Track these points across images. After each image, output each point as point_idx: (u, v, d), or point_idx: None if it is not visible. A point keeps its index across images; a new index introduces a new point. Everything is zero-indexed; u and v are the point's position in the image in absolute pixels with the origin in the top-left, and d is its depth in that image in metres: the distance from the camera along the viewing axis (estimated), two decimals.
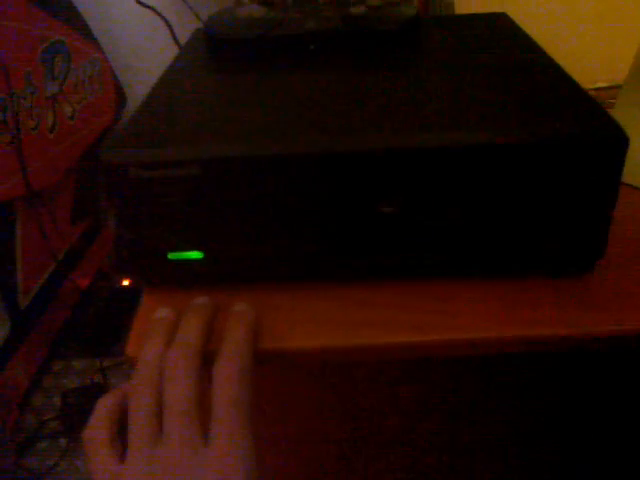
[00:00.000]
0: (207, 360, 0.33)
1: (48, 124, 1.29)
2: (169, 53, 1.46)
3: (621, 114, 0.56)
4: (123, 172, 0.35)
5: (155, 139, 0.37)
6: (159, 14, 0.98)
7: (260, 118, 0.39)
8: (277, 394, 0.50)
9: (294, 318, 0.38)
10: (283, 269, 0.39)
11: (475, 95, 0.39)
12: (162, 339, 0.34)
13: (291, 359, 0.38)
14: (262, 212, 0.37)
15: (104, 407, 0.33)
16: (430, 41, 0.50)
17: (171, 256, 0.39)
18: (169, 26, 0.98)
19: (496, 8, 0.59)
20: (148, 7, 1.01)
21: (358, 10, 0.48)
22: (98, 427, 0.32)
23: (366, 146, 0.35)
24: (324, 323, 0.38)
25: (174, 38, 0.97)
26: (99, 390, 1.31)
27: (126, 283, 1.58)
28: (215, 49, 0.51)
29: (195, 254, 0.38)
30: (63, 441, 1.24)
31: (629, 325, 0.37)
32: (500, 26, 0.52)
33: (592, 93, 0.82)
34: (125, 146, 0.36)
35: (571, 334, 0.37)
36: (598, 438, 0.55)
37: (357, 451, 0.55)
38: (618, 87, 0.82)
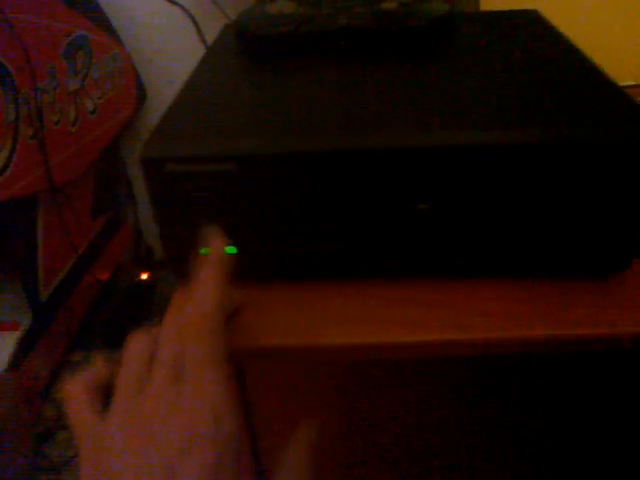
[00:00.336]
0: None
1: (70, 119, 1.30)
2: (191, 49, 1.47)
3: None
4: (160, 166, 0.36)
5: (191, 135, 0.37)
6: (186, 10, 0.99)
7: (293, 115, 0.39)
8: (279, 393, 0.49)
9: (327, 315, 0.38)
10: (317, 266, 0.39)
11: (510, 94, 0.39)
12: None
13: (323, 356, 0.38)
14: (297, 209, 0.37)
15: (86, 371, 0.33)
16: (462, 38, 0.49)
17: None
18: (195, 22, 0.98)
19: (522, 4, 0.59)
20: (175, 3, 1.01)
21: (390, 6, 0.48)
22: (77, 384, 0.32)
23: (402, 144, 0.35)
24: (357, 320, 0.38)
25: (200, 34, 0.98)
26: None
27: (144, 277, 1.59)
28: (246, 45, 0.51)
29: (229, 249, 0.39)
30: None
31: None
32: (532, 23, 0.52)
33: None
34: (162, 141, 0.37)
35: (601, 334, 0.37)
36: (607, 439, 0.54)
37: (361, 451, 0.55)
38: None
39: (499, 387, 0.50)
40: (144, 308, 1.50)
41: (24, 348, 1.20)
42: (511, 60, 0.44)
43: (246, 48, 0.51)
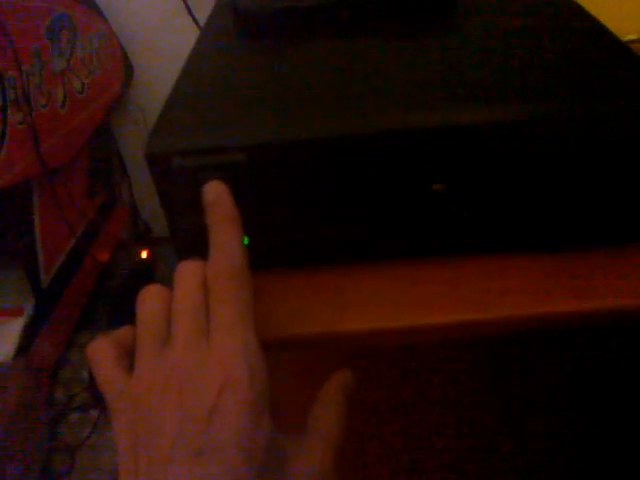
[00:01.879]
0: None
1: (58, 100, 1.27)
2: (177, 21, 1.43)
3: None
4: (165, 161, 0.35)
5: (195, 126, 0.36)
6: None
7: (299, 97, 0.38)
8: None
9: (345, 300, 0.38)
10: (332, 251, 0.39)
11: (522, 66, 0.38)
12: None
13: (343, 342, 0.38)
14: (309, 195, 0.36)
15: (110, 334, 0.33)
16: (467, 6, 0.48)
17: None
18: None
19: None
20: None
21: None
22: (102, 343, 0.32)
23: (413, 124, 0.34)
24: (376, 304, 0.38)
25: (186, 5, 0.95)
26: None
27: (144, 255, 1.58)
28: (243, 23, 0.49)
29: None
30: (94, 413, 1.27)
31: None
32: None
33: None
34: (165, 135, 0.36)
35: (626, 306, 0.36)
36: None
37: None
38: None
39: (521, 367, 0.51)
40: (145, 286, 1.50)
41: (30, 333, 1.20)
42: (522, 28, 0.43)
43: (243, 26, 0.49)
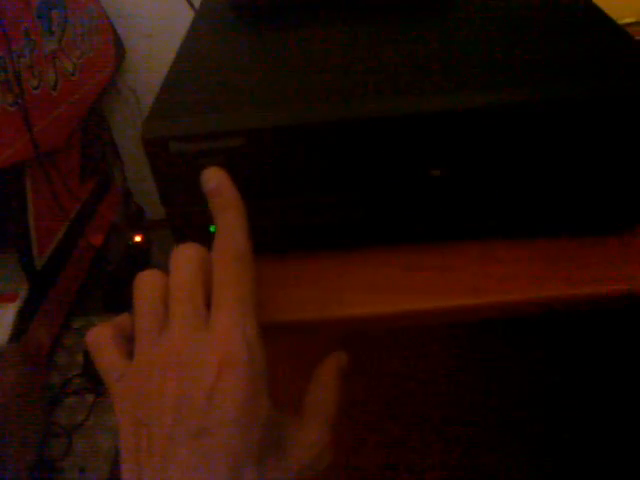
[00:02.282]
0: None
1: (50, 82, 1.26)
2: (169, 1, 1.41)
3: None
4: (163, 146, 0.34)
5: (192, 110, 0.36)
6: None
7: (296, 82, 0.37)
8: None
9: (342, 285, 0.38)
10: (330, 237, 0.39)
11: (519, 50, 0.38)
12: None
13: (342, 327, 0.38)
14: (307, 180, 0.36)
15: (110, 321, 0.33)
16: None
17: (213, 229, 0.38)
18: None
19: None
20: None
21: None
22: (102, 329, 0.32)
23: (412, 109, 0.34)
24: (375, 289, 0.38)
25: None
26: None
27: (138, 239, 1.58)
28: (238, 5, 0.48)
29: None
30: (90, 397, 1.27)
31: None
32: None
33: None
34: (162, 119, 0.35)
35: (617, 291, 0.37)
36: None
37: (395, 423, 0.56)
38: None
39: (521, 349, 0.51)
40: (140, 270, 1.49)
41: (24, 318, 1.20)
42: (519, 13, 0.43)
43: (238, 9, 0.48)
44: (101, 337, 0.32)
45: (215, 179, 0.33)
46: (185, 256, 0.32)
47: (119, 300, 1.43)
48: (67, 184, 1.35)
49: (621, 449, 0.58)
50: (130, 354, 0.31)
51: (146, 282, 0.32)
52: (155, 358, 0.29)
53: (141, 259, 1.52)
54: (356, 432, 0.58)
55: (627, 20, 0.76)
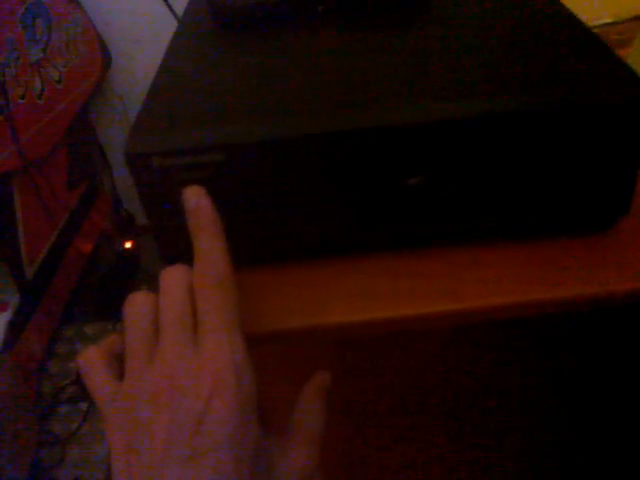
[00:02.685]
0: None
1: (36, 91, 1.26)
2: (155, 8, 1.41)
3: None
4: (146, 161, 0.35)
5: (175, 124, 0.36)
6: None
7: (277, 94, 0.38)
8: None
9: (327, 294, 0.39)
10: (313, 246, 0.39)
11: (494, 58, 0.39)
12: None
13: (326, 336, 0.38)
14: (288, 192, 0.37)
15: (101, 342, 0.34)
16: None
17: None
18: None
19: None
20: None
21: None
22: (93, 351, 0.33)
23: (388, 120, 0.34)
24: (357, 297, 0.38)
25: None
26: None
27: (129, 245, 1.58)
28: (219, 17, 0.49)
29: None
30: (83, 405, 1.27)
31: None
32: None
33: (598, 30, 0.80)
34: (145, 134, 0.36)
35: (595, 293, 0.38)
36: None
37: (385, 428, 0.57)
38: (623, 22, 0.81)
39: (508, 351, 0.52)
40: (131, 276, 1.50)
41: (16, 327, 1.20)
42: (492, 18, 0.44)
43: (220, 20, 0.49)
44: (91, 359, 0.32)
45: (195, 198, 0.33)
46: (174, 278, 0.32)
47: (110, 307, 1.43)
48: (55, 192, 1.35)
49: (619, 450, 0.58)
50: (121, 375, 0.32)
51: (137, 303, 0.32)
52: (146, 383, 0.29)
53: (131, 265, 1.52)
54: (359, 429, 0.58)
55: (604, 21, 0.77)
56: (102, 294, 1.46)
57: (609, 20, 0.79)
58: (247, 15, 0.47)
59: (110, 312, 1.41)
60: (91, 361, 0.32)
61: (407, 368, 0.54)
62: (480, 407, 0.57)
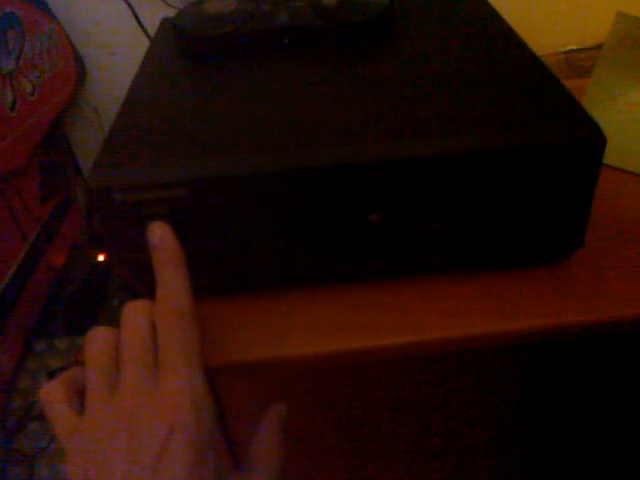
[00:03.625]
0: None
1: (8, 103, 1.24)
2: (129, 22, 1.41)
3: (600, 77, 0.57)
4: (108, 196, 0.35)
5: (137, 158, 0.37)
6: None
7: (239, 129, 0.38)
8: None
9: (288, 325, 0.39)
10: (274, 278, 0.40)
11: (453, 97, 0.40)
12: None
13: (287, 367, 0.39)
14: (250, 225, 0.37)
15: (61, 375, 0.34)
16: (404, 30, 0.49)
17: None
18: (130, 7, 0.94)
19: None
20: None
21: (329, 1, 0.47)
22: (54, 386, 0.33)
23: (345, 159, 0.35)
24: (319, 328, 0.39)
25: (135, 17, 0.94)
26: None
27: (101, 259, 1.56)
28: (187, 47, 0.49)
29: None
30: None
31: (606, 313, 0.39)
32: (475, 9, 0.52)
33: (563, 56, 0.82)
34: (107, 168, 0.36)
35: (548, 325, 0.39)
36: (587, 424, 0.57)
37: (356, 453, 0.57)
38: (588, 49, 0.83)
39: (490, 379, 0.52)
40: (103, 289, 1.48)
41: None
42: (453, 55, 0.45)
43: (187, 50, 0.49)
44: (52, 394, 0.33)
45: (158, 234, 0.33)
46: (136, 313, 0.33)
47: (82, 321, 1.41)
48: (27, 206, 1.34)
49: (612, 458, 0.59)
50: (82, 408, 0.32)
51: (97, 339, 0.33)
52: (106, 419, 0.29)
53: (104, 278, 1.50)
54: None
55: (570, 47, 0.79)
56: (74, 308, 1.44)
57: (574, 47, 0.81)
58: (213, 46, 0.47)
59: (82, 326, 1.40)
60: (52, 395, 0.33)
61: (381, 398, 0.54)
62: (446, 435, 0.58)
